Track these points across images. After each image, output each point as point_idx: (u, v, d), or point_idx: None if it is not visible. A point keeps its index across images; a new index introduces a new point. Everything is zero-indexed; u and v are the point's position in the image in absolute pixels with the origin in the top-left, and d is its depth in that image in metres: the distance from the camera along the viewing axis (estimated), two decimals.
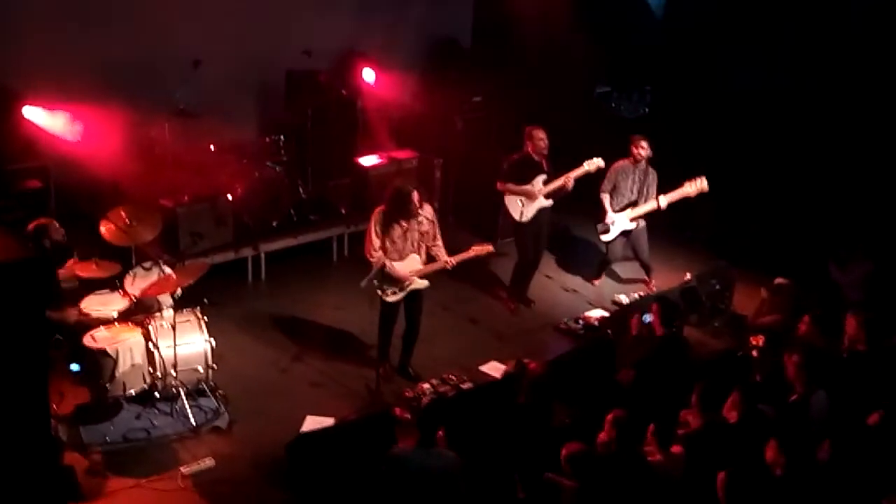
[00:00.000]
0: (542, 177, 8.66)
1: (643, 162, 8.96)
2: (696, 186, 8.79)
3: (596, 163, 8.68)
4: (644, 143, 8.92)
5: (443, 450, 6.00)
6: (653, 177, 9.02)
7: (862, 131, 9.47)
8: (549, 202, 8.75)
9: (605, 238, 9.24)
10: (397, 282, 7.44)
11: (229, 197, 9.17)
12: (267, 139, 9.64)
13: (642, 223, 9.21)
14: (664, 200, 8.84)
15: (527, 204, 8.70)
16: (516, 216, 8.76)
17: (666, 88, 10.77)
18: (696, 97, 10.72)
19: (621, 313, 8.55)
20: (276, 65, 10.16)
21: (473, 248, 7.60)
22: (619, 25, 11.41)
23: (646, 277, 9.49)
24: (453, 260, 7.55)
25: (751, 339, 7.69)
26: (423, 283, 7.57)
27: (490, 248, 7.65)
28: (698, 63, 10.73)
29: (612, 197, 9.08)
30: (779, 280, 8.51)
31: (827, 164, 9.60)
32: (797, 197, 9.66)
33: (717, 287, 8.83)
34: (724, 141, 10.41)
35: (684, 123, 10.70)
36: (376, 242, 7.34)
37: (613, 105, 11.47)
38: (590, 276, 9.72)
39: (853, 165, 9.47)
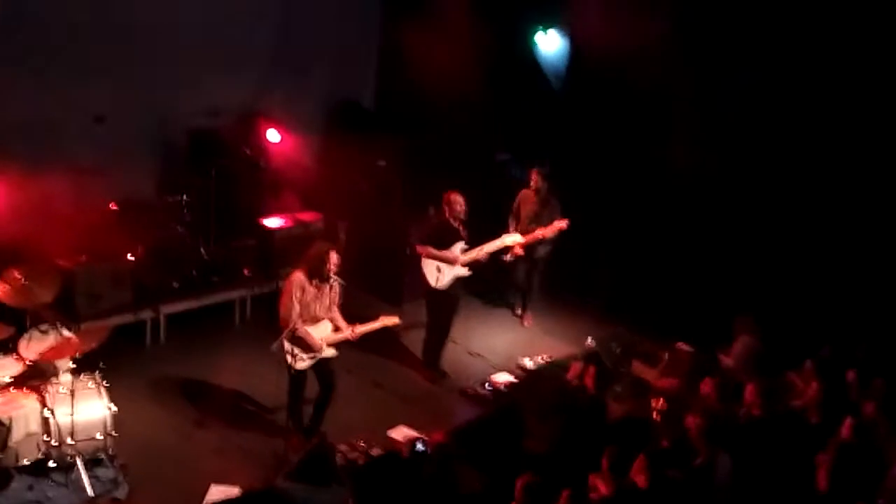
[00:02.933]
0: (461, 244, 8.75)
1: None
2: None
3: (514, 238, 8.93)
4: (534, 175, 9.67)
5: (332, 487, 5.91)
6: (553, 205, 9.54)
7: (756, 205, 9.90)
8: (467, 271, 8.84)
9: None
10: (308, 349, 7.35)
11: (129, 257, 8.93)
12: (169, 199, 9.45)
13: (544, 251, 9.65)
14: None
15: (444, 271, 8.76)
16: (432, 282, 8.80)
17: (564, 157, 11.08)
18: (593, 166, 11.05)
19: (528, 378, 8.67)
20: (179, 123, 10.00)
21: (381, 318, 7.61)
22: (520, 93, 11.71)
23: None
24: (359, 330, 7.52)
25: (651, 402, 7.92)
26: (332, 352, 7.50)
27: (397, 320, 7.68)
28: (594, 133, 11.08)
29: None
30: (678, 344, 8.82)
31: (720, 232, 9.98)
32: (692, 262, 9.99)
33: (618, 351, 9.04)
34: (621, 207, 10.74)
35: (581, 192, 11.02)
36: (296, 306, 7.24)
37: (512, 172, 11.70)
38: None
39: (746, 235, 9.88)
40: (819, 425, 7.18)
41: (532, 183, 9.74)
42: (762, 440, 6.91)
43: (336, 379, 7.65)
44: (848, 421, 6.93)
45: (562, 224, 9.42)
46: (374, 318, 7.69)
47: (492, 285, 10.48)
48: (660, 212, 10.30)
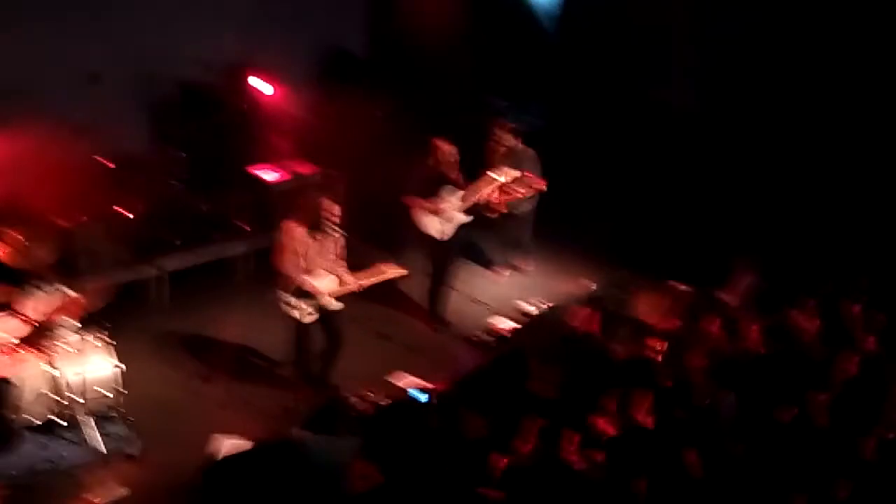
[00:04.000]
0: (456, 191, 8.71)
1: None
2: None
3: (511, 173, 8.83)
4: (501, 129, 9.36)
5: (345, 438, 5.98)
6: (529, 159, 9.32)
7: (755, 145, 9.88)
8: (468, 218, 8.81)
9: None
10: (314, 301, 7.36)
11: (129, 215, 8.90)
12: (165, 154, 9.39)
13: (527, 207, 9.47)
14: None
15: (445, 222, 8.74)
16: (436, 235, 8.78)
17: (562, 101, 11.03)
18: (590, 109, 11.00)
19: (532, 323, 8.72)
20: (170, 78, 9.90)
21: (385, 269, 7.60)
22: (514, 38, 11.60)
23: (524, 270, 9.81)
24: (364, 282, 7.52)
25: (654, 344, 7.98)
26: (338, 305, 7.51)
27: (402, 271, 7.67)
28: (591, 74, 11.00)
29: None
30: (678, 285, 8.86)
31: (719, 174, 9.97)
32: (693, 204, 9.99)
33: (620, 294, 9.08)
34: (622, 150, 10.71)
35: (580, 135, 10.98)
36: (296, 259, 7.23)
37: (511, 119, 11.63)
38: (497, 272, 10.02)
39: (746, 173, 9.87)
40: (822, 362, 7.26)
41: (499, 139, 9.40)
42: (766, 378, 6.99)
43: (343, 330, 7.68)
44: (851, 357, 7.02)
45: (539, 186, 9.27)
46: (378, 269, 7.68)
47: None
48: (658, 152, 10.27)
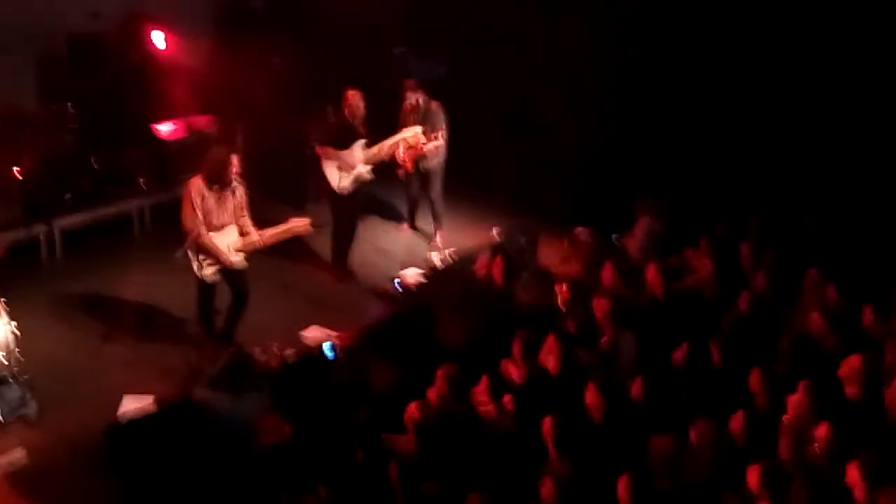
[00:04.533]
0: (361, 142, 8.63)
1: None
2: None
3: (414, 130, 8.80)
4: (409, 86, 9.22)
5: (251, 395, 5.97)
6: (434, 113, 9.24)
7: (652, 85, 10.00)
8: (368, 170, 8.75)
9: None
10: (215, 256, 7.23)
11: (16, 172, 8.54)
12: (53, 108, 9.04)
13: (434, 162, 9.40)
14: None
15: (345, 174, 8.66)
16: (334, 184, 8.70)
17: (466, 47, 10.97)
18: (493, 51, 10.97)
19: (437, 273, 8.76)
20: (57, 28, 9.48)
21: (290, 222, 7.49)
22: None
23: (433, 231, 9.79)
24: (268, 237, 7.42)
25: (557, 290, 8.13)
26: (240, 259, 7.39)
27: (308, 225, 7.57)
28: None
29: None
30: (578, 230, 9.01)
31: (619, 116, 10.09)
32: (593, 148, 10.11)
33: (523, 241, 9.18)
34: (518, 92, 10.73)
35: (483, 80, 10.96)
36: (196, 213, 7.07)
37: (412, 66, 11.54)
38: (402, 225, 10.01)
39: (638, 113, 10.00)
40: (715, 301, 7.50)
41: (407, 97, 9.27)
42: (664, 319, 7.19)
43: (247, 285, 7.58)
44: (744, 293, 7.27)
45: (439, 141, 9.20)
46: (281, 221, 7.57)
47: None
48: (555, 94, 10.31)
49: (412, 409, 5.77)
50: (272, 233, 7.44)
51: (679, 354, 6.50)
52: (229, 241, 7.27)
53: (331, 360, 7.11)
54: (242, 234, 7.37)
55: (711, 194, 9.17)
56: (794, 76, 9.38)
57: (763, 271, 7.72)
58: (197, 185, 7.11)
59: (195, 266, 7.16)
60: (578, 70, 10.10)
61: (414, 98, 9.25)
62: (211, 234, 7.17)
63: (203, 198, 7.09)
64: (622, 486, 5.13)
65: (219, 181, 7.12)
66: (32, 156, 8.77)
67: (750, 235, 8.32)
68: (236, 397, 5.97)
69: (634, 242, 8.84)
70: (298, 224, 7.51)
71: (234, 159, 7.19)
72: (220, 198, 7.18)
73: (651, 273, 7.56)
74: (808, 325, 7.04)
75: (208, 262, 7.22)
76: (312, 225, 7.77)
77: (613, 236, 9.06)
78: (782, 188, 9.17)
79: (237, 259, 7.34)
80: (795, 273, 7.65)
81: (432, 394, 6.10)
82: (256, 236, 7.37)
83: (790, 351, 6.75)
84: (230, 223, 7.27)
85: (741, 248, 8.11)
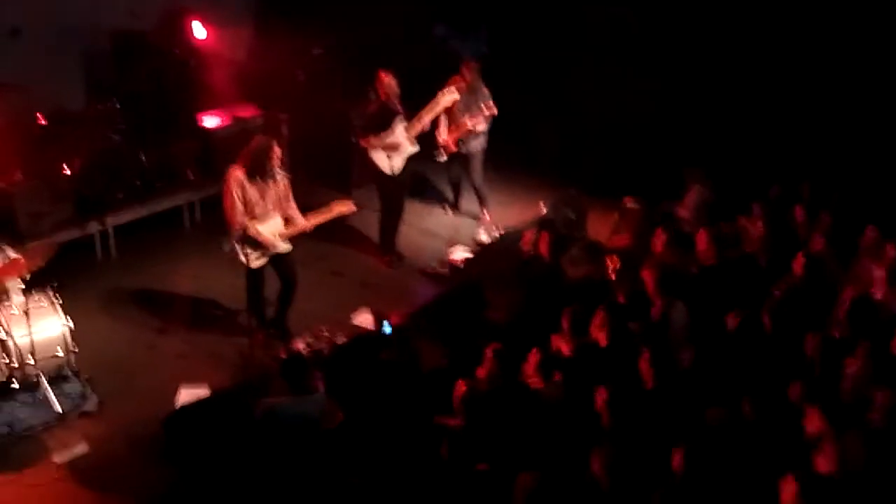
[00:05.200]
0: (402, 122, 8.58)
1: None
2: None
3: (451, 97, 8.71)
4: (469, 66, 9.11)
5: (313, 395, 5.99)
6: (482, 95, 9.15)
7: (701, 55, 9.80)
8: (416, 148, 8.70)
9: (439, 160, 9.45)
10: (261, 246, 7.27)
11: (67, 171, 8.70)
12: (101, 107, 9.15)
13: (476, 147, 9.32)
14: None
15: (394, 156, 8.64)
16: (387, 171, 8.67)
17: (505, 26, 10.87)
18: (535, 30, 10.85)
19: (485, 251, 8.71)
20: (100, 28, 9.59)
21: (334, 206, 7.50)
22: None
23: (479, 212, 9.68)
24: (314, 221, 7.43)
25: (607, 261, 8.03)
26: (287, 247, 7.42)
27: (351, 205, 7.58)
28: None
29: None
30: (627, 201, 8.88)
31: (665, 87, 9.92)
32: (637, 117, 9.95)
33: (572, 216, 9.08)
34: (562, 66, 10.59)
35: (526, 58, 10.85)
36: (239, 205, 7.10)
37: (452, 46, 11.47)
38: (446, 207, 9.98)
39: (688, 88, 9.83)
40: (769, 266, 7.33)
41: (463, 76, 9.13)
42: (716, 286, 7.05)
43: (296, 272, 7.62)
44: (799, 258, 7.09)
45: (490, 111, 9.08)
46: (327, 207, 7.59)
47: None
48: (600, 68, 10.17)
49: (460, 387, 5.74)
50: (317, 218, 7.45)
51: (732, 321, 6.36)
52: (273, 230, 7.30)
53: (382, 342, 7.10)
54: (288, 221, 7.38)
55: (761, 160, 8.97)
56: (842, 35, 9.11)
57: (819, 233, 7.53)
58: (237, 176, 7.13)
59: (241, 256, 7.20)
60: (623, 39, 9.95)
61: (471, 77, 9.14)
62: (254, 222, 7.19)
63: (244, 189, 7.12)
64: (677, 458, 5.05)
65: (260, 172, 7.13)
66: (82, 154, 8.88)
67: (803, 199, 8.11)
68: (298, 400, 5.99)
69: (686, 210, 8.69)
70: (342, 207, 7.50)
71: (276, 149, 7.20)
72: (262, 188, 7.19)
73: (702, 240, 7.42)
74: (867, 285, 6.86)
75: (254, 252, 7.25)
76: (356, 206, 7.74)
77: (664, 205, 8.91)
78: (833, 150, 8.93)
79: (283, 246, 7.37)
80: (852, 234, 7.45)
81: (481, 372, 6.07)
82: (302, 221, 7.39)
83: (848, 313, 6.57)
84: (274, 212, 7.29)
85: (795, 211, 7.93)
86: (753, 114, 9.45)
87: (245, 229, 7.12)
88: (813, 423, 5.15)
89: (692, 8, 9.65)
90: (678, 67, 9.85)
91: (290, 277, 7.60)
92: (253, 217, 7.17)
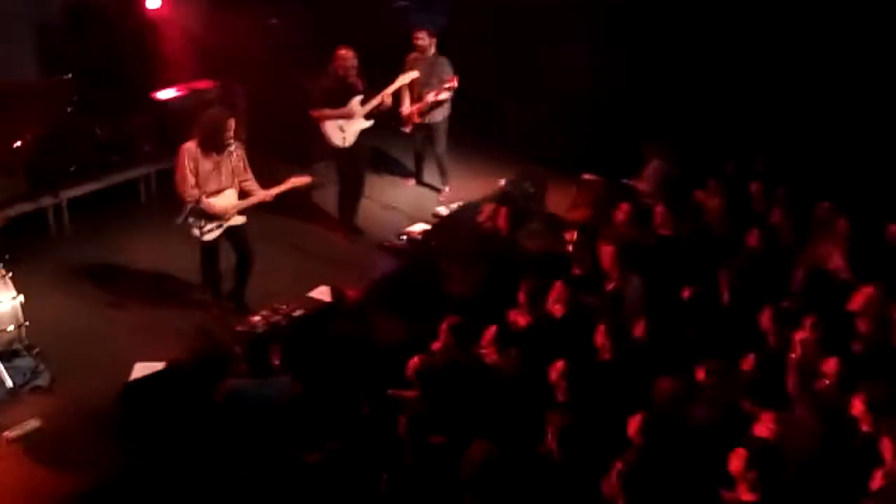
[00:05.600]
0: (358, 97, 8.52)
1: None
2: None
3: (410, 75, 8.68)
4: (420, 34, 9.11)
5: (279, 378, 5.97)
6: (441, 65, 9.14)
7: (659, 26, 9.81)
8: (370, 122, 8.65)
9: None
10: (214, 218, 7.19)
11: (18, 144, 8.54)
12: (54, 79, 8.99)
13: (440, 117, 9.31)
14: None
15: (347, 128, 8.57)
16: (338, 142, 8.61)
17: None
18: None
19: (443, 224, 8.69)
20: None
21: (292, 179, 7.44)
22: None
23: (440, 185, 9.70)
24: (271, 192, 7.37)
25: (565, 235, 8.05)
26: (241, 220, 7.36)
27: (308, 179, 7.53)
28: None
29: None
30: (586, 175, 8.90)
31: (622, 59, 9.92)
32: (596, 92, 9.95)
33: (531, 190, 9.08)
34: (523, 41, 10.56)
35: (485, 29, 10.79)
36: (190, 179, 7.02)
37: (413, 18, 11.37)
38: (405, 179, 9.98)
39: (646, 59, 9.83)
40: (726, 239, 7.40)
41: (417, 44, 9.16)
42: (672, 259, 7.10)
43: (251, 244, 7.56)
44: (754, 231, 7.16)
45: (451, 83, 9.06)
46: (285, 180, 7.52)
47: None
48: (557, 39, 10.13)
49: (415, 361, 5.73)
50: (274, 190, 7.39)
51: (687, 293, 6.41)
52: (227, 203, 7.21)
53: (338, 315, 7.06)
54: (244, 194, 7.31)
55: (717, 134, 9.03)
56: (795, 14, 9.16)
57: (777, 207, 7.61)
58: (190, 150, 7.03)
59: (195, 231, 7.13)
60: (581, 14, 9.92)
61: (426, 46, 9.12)
62: (210, 198, 7.11)
63: (197, 161, 7.03)
64: (633, 426, 5.09)
65: (214, 145, 7.04)
66: (36, 128, 8.73)
67: (758, 174, 8.19)
68: (261, 382, 5.95)
69: (645, 184, 8.72)
70: (299, 180, 7.44)
71: (231, 121, 7.10)
72: (216, 161, 7.10)
73: (659, 213, 7.47)
74: (821, 260, 6.94)
75: (207, 224, 7.17)
76: (314, 182, 7.68)
77: (623, 180, 8.94)
78: (786, 126, 9.00)
79: (236, 219, 7.30)
80: (806, 208, 7.53)
81: (436, 345, 6.06)
82: (260, 192, 7.32)
83: (803, 286, 6.66)
84: (229, 186, 7.20)
85: (751, 186, 8.00)
86: (711, 88, 9.47)
87: (196, 202, 7.03)
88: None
89: None
90: (641, 41, 9.84)
91: (246, 251, 7.54)
92: (205, 190, 7.08)
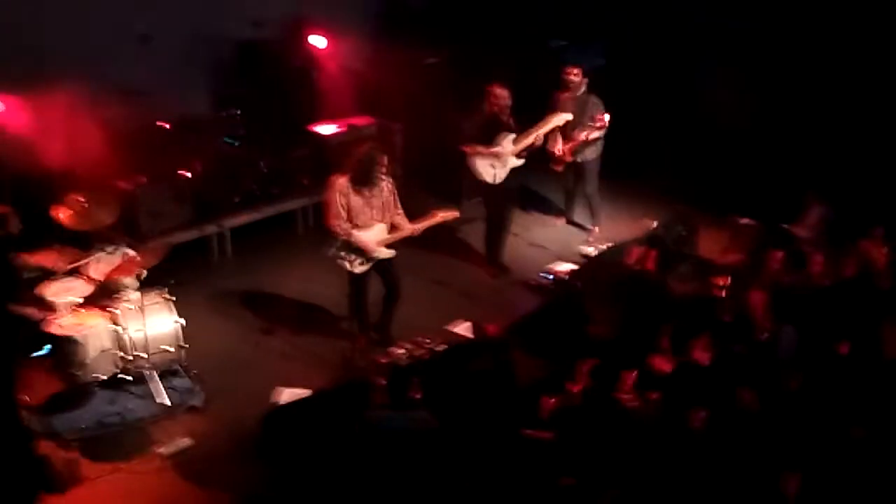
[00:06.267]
0: (510, 135, 8.58)
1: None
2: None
3: (564, 117, 8.69)
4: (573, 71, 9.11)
5: (417, 411, 6.02)
6: (593, 104, 9.06)
7: (819, 71, 9.46)
8: (521, 161, 8.68)
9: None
10: (363, 252, 7.37)
11: (188, 175, 9.05)
12: (223, 114, 9.51)
13: (591, 156, 9.23)
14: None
15: (498, 166, 8.63)
16: (489, 179, 8.67)
17: (621, 37, 10.72)
18: (651, 43, 10.69)
19: (590, 265, 8.58)
20: (225, 37, 9.96)
21: (438, 213, 7.53)
22: None
23: (590, 224, 9.60)
24: (419, 226, 7.49)
25: (716, 280, 7.77)
26: (389, 253, 7.50)
27: (455, 213, 7.61)
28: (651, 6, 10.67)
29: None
30: (741, 220, 8.60)
31: (780, 104, 9.60)
32: (752, 137, 9.65)
33: (683, 232, 8.85)
34: (677, 82, 10.38)
35: (642, 72, 10.68)
36: (341, 213, 7.23)
37: (568, 59, 11.36)
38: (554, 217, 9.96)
39: (807, 107, 9.48)
40: (890, 290, 6.97)
41: (569, 80, 9.11)
42: (830, 309, 6.74)
43: (398, 278, 7.67)
44: None
45: (602, 122, 8.96)
46: (431, 213, 7.61)
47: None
48: (722, 84, 9.91)
49: (552, 402, 5.66)
50: (421, 224, 7.50)
51: (842, 346, 6.07)
52: (377, 237, 7.37)
53: (478, 351, 7.08)
54: (391, 226, 7.46)
55: (881, 182, 8.56)
56: None
57: None
58: (341, 184, 7.23)
59: (345, 263, 7.32)
60: (737, 58, 9.69)
61: (573, 87, 9.10)
62: (357, 229, 7.30)
63: (348, 196, 7.22)
64: (790, 485, 4.86)
65: (365, 180, 7.22)
66: (203, 159, 9.23)
67: None
68: (401, 414, 6.05)
69: (806, 230, 8.36)
70: (446, 214, 7.53)
71: (383, 157, 7.28)
72: (367, 195, 7.28)
73: (817, 262, 7.13)
74: None
75: (357, 258, 7.35)
76: (460, 216, 7.75)
77: (783, 225, 8.59)
78: None
79: (384, 252, 7.44)
80: None
81: (572, 386, 5.97)
82: (407, 226, 7.45)
83: None
84: (379, 221, 7.36)
85: None
86: (878, 131, 9.02)
87: (347, 236, 7.23)
88: None
89: (814, 19, 9.29)
90: (805, 82, 9.51)
91: (394, 284, 7.67)
92: (355, 224, 7.27)
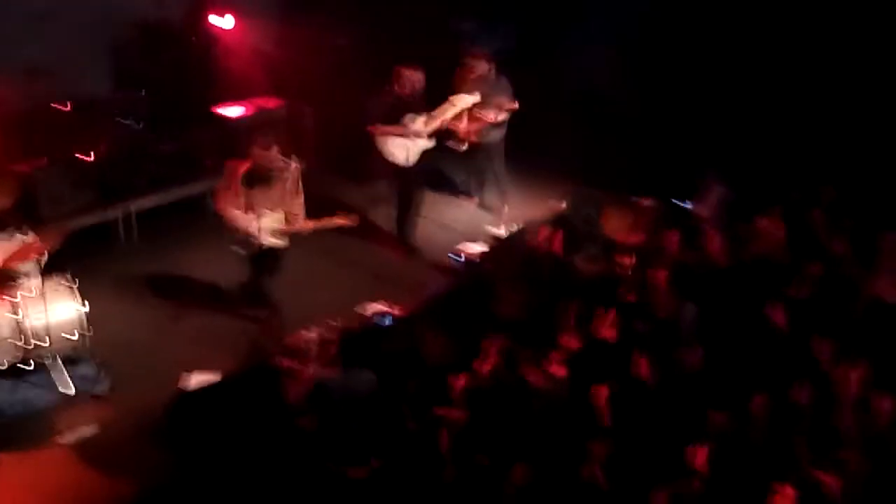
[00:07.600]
0: (418, 117, 8.58)
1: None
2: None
3: (472, 98, 8.73)
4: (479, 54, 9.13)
5: (364, 372, 6.05)
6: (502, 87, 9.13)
7: (719, 52, 9.70)
8: (431, 143, 8.71)
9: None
10: (253, 236, 7.28)
11: (90, 157, 8.81)
12: (125, 94, 9.28)
13: (496, 138, 9.30)
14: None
15: (412, 147, 8.64)
16: (401, 160, 8.68)
17: (533, 21, 10.82)
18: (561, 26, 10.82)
19: (499, 246, 8.69)
20: (126, 16, 9.72)
21: (337, 218, 7.46)
22: None
23: (498, 205, 9.71)
24: (312, 225, 7.43)
25: (620, 259, 7.94)
26: (280, 243, 7.42)
27: (355, 221, 7.51)
28: None
29: None
30: (644, 200, 8.80)
31: (683, 85, 9.83)
32: (657, 116, 9.87)
33: (590, 212, 9.01)
34: (590, 66, 10.53)
35: (550, 55, 10.80)
36: (233, 198, 7.17)
37: (478, 41, 11.41)
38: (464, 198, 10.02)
39: (708, 87, 9.73)
40: (787, 267, 7.23)
41: (472, 66, 9.12)
42: (728, 287, 6.97)
43: (277, 271, 7.54)
44: (815, 260, 6.99)
45: (513, 106, 9.09)
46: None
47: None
48: (623, 65, 10.09)
49: (461, 381, 5.73)
50: (316, 223, 7.46)
51: (743, 322, 6.30)
52: (268, 224, 7.30)
53: (387, 331, 7.12)
54: (290, 216, 7.38)
55: (779, 163, 8.85)
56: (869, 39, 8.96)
57: (842, 237, 7.43)
58: (235, 169, 7.18)
59: (234, 246, 7.28)
60: (643, 39, 9.88)
61: (479, 69, 9.13)
62: (250, 216, 7.22)
63: (243, 182, 7.16)
64: (692, 456, 5.02)
65: (262, 171, 7.16)
66: (105, 141, 9.00)
67: (823, 203, 8.00)
68: (348, 375, 6.06)
69: (705, 209, 8.59)
70: (344, 219, 7.48)
71: (275, 148, 7.19)
72: (265, 184, 7.21)
73: (715, 240, 7.35)
74: (883, 292, 6.75)
75: (246, 241, 7.31)
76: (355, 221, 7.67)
77: (682, 203, 8.82)
78: (854, 155, 8.79)
79: (272, 239, 7.37)
80: (872, 239, 7.33)
81: (480, 365, 6.05)
82: (302, 221, 7.40)
83: (862, 318, 6.48)
84: (276, 208, 7.28)
85: (815, 215, 7.82)
86: (776, 113, 9.31)
87: (234, 222, 7.18)
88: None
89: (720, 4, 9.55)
90: (705, 62, 9.74)
91: (273, 270, 7.53)
92: (248, 210, 7.20)
